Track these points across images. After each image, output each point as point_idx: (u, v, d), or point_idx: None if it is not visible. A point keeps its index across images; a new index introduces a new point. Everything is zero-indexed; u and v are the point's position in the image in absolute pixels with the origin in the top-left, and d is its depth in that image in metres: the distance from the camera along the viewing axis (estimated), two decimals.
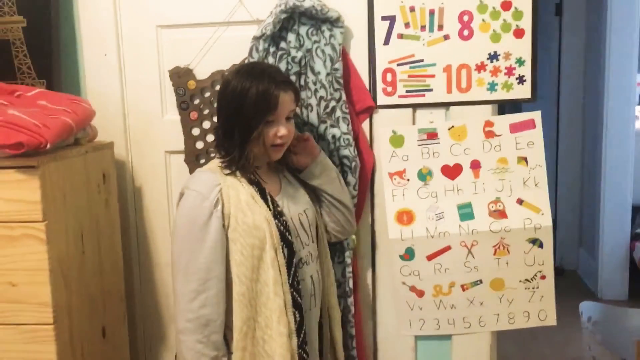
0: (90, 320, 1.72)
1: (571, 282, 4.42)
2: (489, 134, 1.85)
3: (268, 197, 1.56)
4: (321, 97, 1.77)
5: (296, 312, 1.54)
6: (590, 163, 4.43)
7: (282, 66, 1.77)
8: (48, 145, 1.48)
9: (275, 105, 1.50)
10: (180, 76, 1.97)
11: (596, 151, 4.19)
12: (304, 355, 1.56)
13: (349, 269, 1.86)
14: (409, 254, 1.91)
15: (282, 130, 1.53)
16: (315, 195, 1.71)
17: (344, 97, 1.81)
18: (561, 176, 4.76)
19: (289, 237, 1.55)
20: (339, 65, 1.76)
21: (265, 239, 1.50)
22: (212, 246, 1.48)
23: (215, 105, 1.62)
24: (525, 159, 1.84)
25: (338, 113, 1.80)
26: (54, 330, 1.53)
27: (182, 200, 1.53)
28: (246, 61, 1.82)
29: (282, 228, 1.54)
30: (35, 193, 1.47)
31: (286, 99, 1.52)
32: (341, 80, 1.77)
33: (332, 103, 1.79)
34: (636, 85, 4.14)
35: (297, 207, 1.63)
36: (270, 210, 1.53)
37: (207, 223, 1.48)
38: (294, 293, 1.54)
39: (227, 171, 1.55)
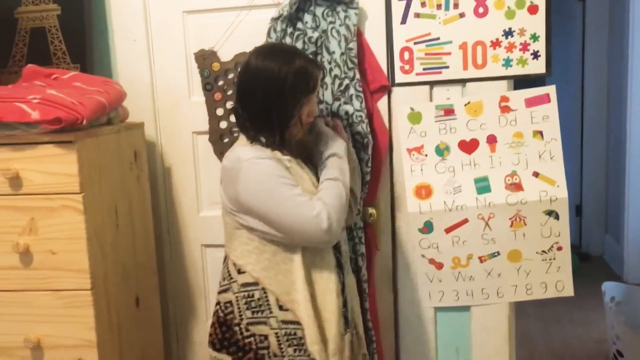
0: (124, 290, 1.82)
1: (597, 268, 4.42)
2: (505, 109, 1.89)
3: (309, 165, 1.62)
4: (335, 76, 1.84)
5: (340, 272, 1.62)
6: (614, 148, 4.41)
7: (299, 46, 1.84)
8: (84, 122, 1.58)
9: (315, 85, 1.54)
10: (205, 59, 2.05)
11: (621, 136, 4.17)
12: (346, 313, 1.63)
13: (358, 246, 1.93)
14: (427, 227, 1.97)
15: (316, 109, 1.58)
16: None
17: (357, 76, 1.87)
18: (586, 163, 4.74)
19: None
20: (353, 45, 1.83)
21: None
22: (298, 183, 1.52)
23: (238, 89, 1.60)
24: (541, 133, 1.89)
25: (351, 91, 1.87)
26: (92, 295, 1.63)
27: (249, 170, 1.49)
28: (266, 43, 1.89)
29: None
30: (72, 166, 1.57)
31: (319, 77, 1.57)
32: (355, 60, 1.83)
33: (346, 81, 1.86)
34: None
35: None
36: (315, 176, 1.59)
37: (284, 174, 1.50)
38: (337, 254, 1.62)
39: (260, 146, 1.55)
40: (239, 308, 1.58)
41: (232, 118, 2.05)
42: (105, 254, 1.70)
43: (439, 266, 2.00)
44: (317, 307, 1.55)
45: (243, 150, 1.54)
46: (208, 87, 2.06)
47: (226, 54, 2.03)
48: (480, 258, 1.97)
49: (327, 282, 1.57)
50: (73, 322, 1.64)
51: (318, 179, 1.59)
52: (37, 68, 1.83)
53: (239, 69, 1.99)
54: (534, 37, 1.86)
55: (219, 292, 1.64)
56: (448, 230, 1.96)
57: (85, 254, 1.61)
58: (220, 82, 2.05)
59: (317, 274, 1.56)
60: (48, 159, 1.58)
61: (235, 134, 2.06)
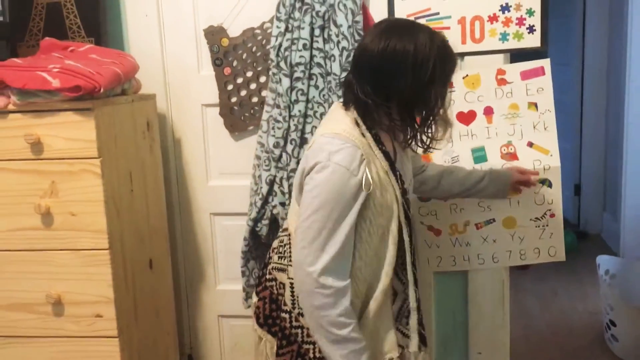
0: (139, 251, 1.92)
1: (595, 245, 4.52)
2: (501, 82, 1.98)
3: (397, 173, 1.47)
4: (343, 48, 1.92)
5: (417, 290, 1.52)
6: (613, 129, 4.49)
7: (307, 19, 1.92)
8: (101, 90, 1.67)
9: (455, 67, 1.42)
10: (214, 34, 2.14)
11: (619, 117, 4.24)
12: (422, 331, 1.55)
13: None
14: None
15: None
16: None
17: None
18: (585, 143, 4.82)
19: (410, 216, 1.51)
20: (359, 18, 1.91)
21: (392, 218, 1.44)
22: (352, 225, 1.38)
23: (355, 76, 1.43)
24: (536, 105, 1.97)
25: None
26: (109, 254, 1.73)
27: (324, 173, 1.36)
28: (274, 18, 1.96)
29: (406, 207, 1.49)
30: (91, 132, 1.67)
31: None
32: (362, 32, 1.91)
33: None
34: None
35: (408, 178, 1.57)
36: (400, 187, 1.46)
37: (353, 200, 1.36)
38: (414, 272, 1.52)
39: (359, 137, 1.41)
40: (292, 295, 1.49)
41: (242, 92, 2.15)
42: (121, 216, 1.80)
43: (437, 233, 2.09)
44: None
45: (338, 147, 1.37)
46: (218, 62, 2.15)
47: (235, 30, 2.11)
48: (476, 225, 2.06)
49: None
50: (92, 279, 1.74)
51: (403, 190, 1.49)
52: (54, 41, 1.92)
53: (248, 45, 2.09)
54: (530, 12, 1.94)
55: (276, 269, 1.56)
56: (446, 198, 2.06)
57: (103, 215, 1.71)
58: (230, 58, 2.13)
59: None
60: (68, 125, 1.67)
61: (245, 107, 2.15)
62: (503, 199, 1.98)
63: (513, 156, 2.00)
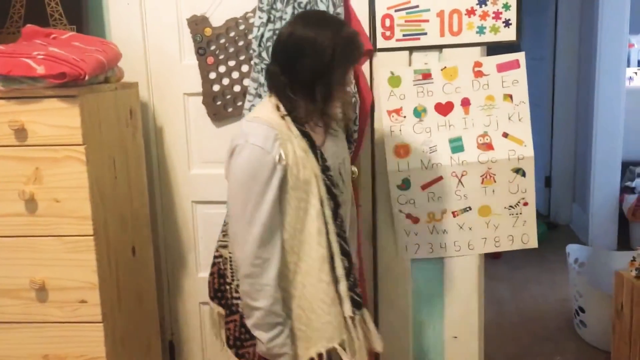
0: (122, 238, 1.94)
1: (564, 236, 4.65)
2: (478, 74, 2.04)
3: (318, 151, 1.58)
4: None
5: (344, 259, 1.60)
6: (583, 123, 4.61)
7: (289, 10, 1.94)
8: (86, 77, 1.68)
9: (360, 55, 1.57)
10: (197, 24, 2.15)
11: (588, 111, 4.37)
12: (356, 297, 1.61)
13: None
14: (405, 184, 2.12)
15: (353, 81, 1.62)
16: None
17: None
18: (556, 138, 4.96)
19: (334, 191, 1.60)
20: (340, 10, 1.94)
21: (311, 193, 1.55)
22: (274, 199, 1.50)
23: (271, 60, 1.61)
24: (511, 96, 2.04)
25: None
26: (94, 240, 1.75)
27: (242, 153, 1.50)
28: (257, 8, 1.99)
29: (328, 183, 1.58)
30: (76, 119, 1.68)
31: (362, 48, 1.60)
32: None
33: None
34: (627, 47, 4.32)
35: (338, 157, 1.67)
36: (319, 165, 1.56)
37: (270, 178, 1.49)
38: (342, 242, 1.60)
39: (278, 119, 1.54)
40: (231, 268, 1.64)
41: (225, 81, 2.17)
42: (105, 203, 1.82)
43: (415, 220, 2.15)
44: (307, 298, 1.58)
45: (253, 128, 1.53)
46: (201, 51, 2.16)
47: (218, 20, 2.13)
48: (453, 213, 2.13)
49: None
50: (76, 265, 1.76)
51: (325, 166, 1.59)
52: (36, 28, 1.91)
53: (230, 34, 2.12)
54: (506, 6, 2.00)
55: (221, 246, 1.71)
56: (424, 187, 2.11)
57: (87, 202, 1.72)
58: (213, 47, 2.15)
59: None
60: (52, 112, 1.68)
61: (228, 96, 2.18)
62: None
63: (489, 146, 2.06)
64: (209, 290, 1.75)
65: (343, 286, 1.59)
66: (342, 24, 1.57)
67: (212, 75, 2.18)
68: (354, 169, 2.13)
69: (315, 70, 1.50)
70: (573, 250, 3.34)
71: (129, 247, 2.00)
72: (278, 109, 1.56)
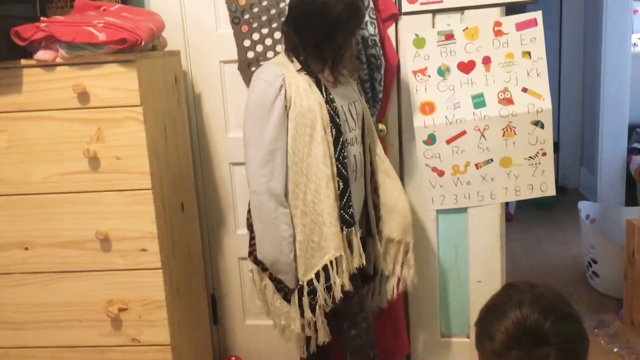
0: (173, 194, 2.10)
1: (573, 198, 4.79)
2: (498, 33, 2.18)
3: (322, 86, 1.84)
4: None
5: (340, 181, 1.83)
6: (590, 90, 4.75)
7: None
8: (142, 43, 1.83)
9: (362, 19, 1.86)
10: None
11: (595, 77, 4.50)
12: (346, 216, 1.85)
13: None
14: (431, 139, 2.27)
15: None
16: None
17: (371, 5, 2.14)
18: (563, 104, 5.09)
19: (337, 120, 1.83)
20: None
21: (316, 120, 1.79)
22: (277, 123, 1.78)
23: (284, 21, 1.88)
24: (529, 53, 2.18)
25: (366, 18, 2.12)
26: (152, 194, 1.91)
27: (252, 87, 1.83)
28: None
29: (332, 112, 1.82)
30: (134, 82, 1.83)
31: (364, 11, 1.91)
32: None
33: None
34: (632, 13, 4.43)
35: (347, 98, 1.91)
36: (323, 96, 1.82)
37: (272, 105, 1.77)
38: (339, 166, 1.83)
39: (287, 62, 1.84)
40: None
41: (259, 48, 2.32)
42: (160, 161, 1.97)
43: (441, 173, 2.31)
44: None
45: (263, 67, 1.87)
46: (236, 20, 2.31)
47: None
48: (476, 165, 2.28)
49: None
50: (136, 217, 1.92)
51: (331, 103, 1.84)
52: (87, 1, 2.05)
53: (263, 3, 2.26)
54: None
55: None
56: (449, 142, 2.27)
57: (145, 158, 1.88)
58: (247, 16, 2.30)
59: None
60: (112, 76, 1.83)
61: (262, 63, 2.32)
62: None
63: (509, 101, 2.21)
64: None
65: (337, 205, 1.82)
66: None
67: (247, 43, 2.32)
68: (382, 126, 2.29)
69: (322, 32, 1.76)
70: (584, 207, 3.50)
71: (179, 203, 2.16)
72: (288, 55, 1.85)
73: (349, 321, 1.93)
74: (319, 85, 1.83)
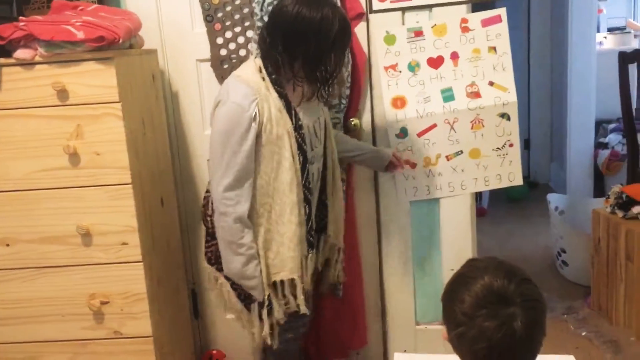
0: (152, 189, 2.15)
1: (543, 193, 4.91)
2: (465, 29, 2.27)
3: (292, 111, 1.80)
4: None
5: (306, 206, 1.86)
6: (557, 87, 4.90)
7: None
8: (120, 41, 1.88)
9: (350, 35, 1.82)
10: None
11: (563, 76, 4.64)
12: (311, 239, 1.91)
13: None
14: (403, 133, 2.35)
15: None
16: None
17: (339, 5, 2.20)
18: (533, 102, 5.24)
19: (304, 147, 1.83)
20: None
21: (284, 148, 1.77)
22: (249, 150, 1.73)
23: (267, 31, 1.77)
24: (495, 48, 2.27)
25: None
26: (132, 189, 1.95)
27: (223, 109, 1.73)
28: None
29: (299, 140, 1.81)
30: (112, 79, 1.87)
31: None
32: None
33: None
34: (597, 12, 4.59)
35: (313, 114, 1.89)
36: (292, 122, 1.78)
37: (246, 132, 1.71)
38: (305, 191, 1.85)
39: (258, 80, 1.75)
40: (212, 203, 1.84)
41: (231, 46, 2.37)
42: (139, 156, 2.02)
43: (413, 166, 2.39)
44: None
45: (233, 87, 1.75)
46: (209, 18, 2.36)
47: None
48: (447, 157, 2.37)
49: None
50: (117, 211, 1.96)
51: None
52: (64, 1, 2.09)
53: (236, 2, 2.32)
54: None
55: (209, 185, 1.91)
56: (420, 134, 2.35)
57: (125, 153, 1.92)
58: (220, 14, 2.35)
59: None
60: (91, 73, 1.87)
61: (234, 60, 2.38)
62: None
63: (477, 94, 2.30)
64: (203, 214, 1.96)
65: (303, 229, 1.84)
66: (336, 7, 1.74)
67: (220, 41, 2.38)
68: (356, 121, 2.37)
69: (319, 52, 1.71)
70: (553, 199, 3.62)
71: (158, 198, 2.20)
72: (260, 70, 1.78)
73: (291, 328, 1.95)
74: (288, 107, 1.80)
